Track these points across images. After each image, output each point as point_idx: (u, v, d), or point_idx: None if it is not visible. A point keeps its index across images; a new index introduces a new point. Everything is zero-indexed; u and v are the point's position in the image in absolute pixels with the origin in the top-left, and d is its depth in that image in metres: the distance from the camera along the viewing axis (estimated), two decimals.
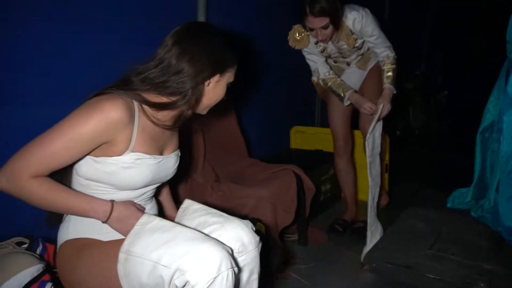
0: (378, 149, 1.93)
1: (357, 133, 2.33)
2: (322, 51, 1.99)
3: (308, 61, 2.04)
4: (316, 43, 1.94)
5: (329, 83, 2.02)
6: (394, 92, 1.91)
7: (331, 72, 2.03)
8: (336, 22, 1.78)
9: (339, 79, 2.03)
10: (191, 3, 2.06)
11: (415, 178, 3.09)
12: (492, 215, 1.68)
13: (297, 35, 1.92)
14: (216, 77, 1.03)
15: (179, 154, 1.14)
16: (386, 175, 2.51)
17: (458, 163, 3.03)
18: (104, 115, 0.89)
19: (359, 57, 2.05)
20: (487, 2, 5.31)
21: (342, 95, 1.98)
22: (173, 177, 1.14)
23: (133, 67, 0.99)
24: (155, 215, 1.12)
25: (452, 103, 5.09)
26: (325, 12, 1.71)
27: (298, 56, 3.01)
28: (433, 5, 5.33)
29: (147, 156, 0.98)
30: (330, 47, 1.99)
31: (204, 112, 1.10)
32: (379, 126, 1.94)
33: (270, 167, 1.96)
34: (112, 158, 0.94)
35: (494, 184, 1.64)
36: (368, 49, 2.02)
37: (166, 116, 1.02)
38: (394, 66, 1.92)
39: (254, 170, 1.99)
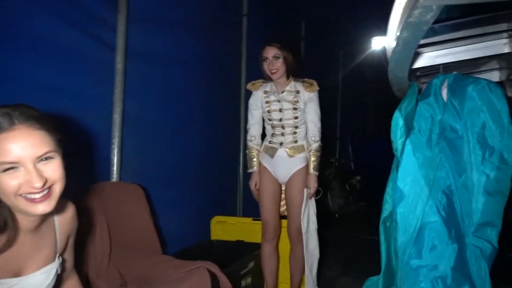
0: (314, 226, 2.21)
1: (283, 222, 2.34)
2: (267, 103, 2.20)
3: (248, 114, 2.30)
4: (265, 92, 2.22)
5: (252, 149, 2.26)
6: (317, 174, 2.19)
7: (257, 139, 2.28)
8: (286, 58, 2.13)
9: (257, 152, 2.27)
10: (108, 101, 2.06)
11: (335, 264, 3.09)
12: None
13: (255, 83, 2.27)
14: None
15: (56, 267, 0.98)
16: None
17: (376, 245, 3.12)
18: None
19: (293, 144, 2.20)
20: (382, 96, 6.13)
21: (249, 166, 2.28)
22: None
23: None
24: None
25: (365, 186, 5.47)
26: (277, 45, 2.12)
27: (220, 140, 3.05)
28: (340, 93, 6.02)
29: None
30: (274, 104, 2.19)
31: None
32: (312, 205, 2.22)
33: (183, 264, 1.80)
34: None
35: (399, 272, 1.68)
36: (302, 145, 2.21)
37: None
38: (318, 153, 2.20)
39: (166, 269, 1.81)
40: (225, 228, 2.71)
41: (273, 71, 2.13)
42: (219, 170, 3.03)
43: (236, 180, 3.24)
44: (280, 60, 2.13)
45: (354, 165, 6.02)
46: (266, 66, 2.15)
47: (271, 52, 2.13)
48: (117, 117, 2.06)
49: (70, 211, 1.08)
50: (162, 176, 2.40)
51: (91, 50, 1.93)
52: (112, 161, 2.05)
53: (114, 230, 1.79)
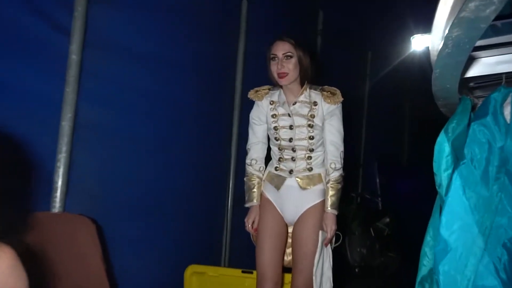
0: (329, 283, 2.13)
1: (287, 277, 2.30)
2: (273, 117, 2.20)
3: (249, 130, 2.31)
4: (272, 103, 2.22)
5: (252, 176, 2.25)
6: (336, 213, 2.15)
7: (259, 163, 2.27)
8: (301, 60, 2.14)
9: (259, 180, 2.26)
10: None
11: None
12: None
13: (259, 90, 2.29)
14: None
15: None
16: None
17: None
18: None
19: (307, 173, 2.20)
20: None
21: (247, 198, 2.26)
22: None
23: None
24: None
25: (396, 231, 5.41)
26: (291, 41, 2.13)
27: (203, 163, 3.04)
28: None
29: None
30: (283, 118, 2.19)
31: None
32: (328, 255, 2.15)
33: None
34: None
35: None
36: (319, 174, 2.20)
37: None
38: (339, 185, 2.16)
39: None
40: (204, 281, 2.67)
41: (282, 74, 2.13)
42: (200, 203, 3.01)
43: (223, 218, 3.21)
44: (293, 60, 2.13)
45: (382, 203, 5.99)
46: (274, 67, 2.15)
47: (282, 48, 2.13)
48: (66, 125, 2.06)
49: (7, 259, 0.98)
50: (122, 207, 2.39)
51: (37, 34, 1.95)
52: (56, 184, 2.04)
53: (53, 277, 1.75)
